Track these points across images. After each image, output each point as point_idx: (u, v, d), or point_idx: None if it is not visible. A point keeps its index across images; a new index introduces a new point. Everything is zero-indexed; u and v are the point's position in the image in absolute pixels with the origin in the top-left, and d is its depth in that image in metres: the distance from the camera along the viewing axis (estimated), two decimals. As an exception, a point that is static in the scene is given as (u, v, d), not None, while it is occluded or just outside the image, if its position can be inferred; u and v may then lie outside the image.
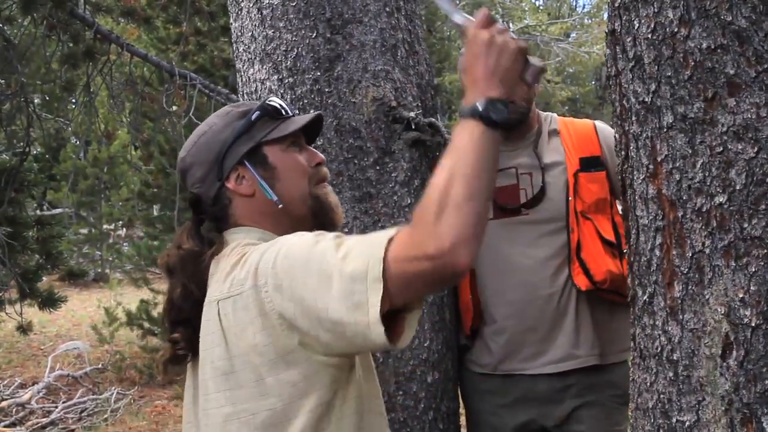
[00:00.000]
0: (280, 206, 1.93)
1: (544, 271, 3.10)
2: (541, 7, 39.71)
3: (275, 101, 2.01)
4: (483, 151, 1.64)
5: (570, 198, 3.12)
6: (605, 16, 1.90)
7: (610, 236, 3.09)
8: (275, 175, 1.95)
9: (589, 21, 36.21)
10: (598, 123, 3.30)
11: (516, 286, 3.11)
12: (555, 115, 3.37)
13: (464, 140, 1.65)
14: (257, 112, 1.97)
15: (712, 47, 1.59)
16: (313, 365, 1.73)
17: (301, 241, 1.75)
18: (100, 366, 10.28)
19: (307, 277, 1.66)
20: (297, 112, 2.11)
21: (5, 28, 7.62)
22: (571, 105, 41.79)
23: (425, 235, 1.57)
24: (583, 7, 39.09)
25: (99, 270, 18.01)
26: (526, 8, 38.19)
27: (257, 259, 1.77)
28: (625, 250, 2.98)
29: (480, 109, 1.66)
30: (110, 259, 17.25)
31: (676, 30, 1.63)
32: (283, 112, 2.01)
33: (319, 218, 1.98)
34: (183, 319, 1.95)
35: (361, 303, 1.60)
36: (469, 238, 1.57)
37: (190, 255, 1.94)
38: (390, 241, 1.62)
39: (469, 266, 1.60)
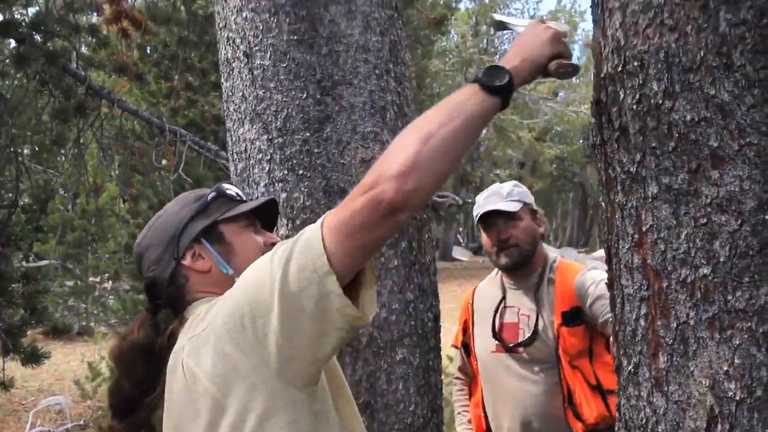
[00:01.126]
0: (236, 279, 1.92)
1: (537, 406, 3.42)
2: (530, 67, 40.07)
3: (231, 188, 2.04)
4: (468, 104, 1.67)
5: (559, 348, 3.37)
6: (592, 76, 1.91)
7: (593, 379, 3.32)
8: (231, 250, 1.96)
9: (577, 81, 36.57)
10: (579, 276, 3.40)
11: (513, 416, 3.49)
12: (558, 257, 3.64)
13: (445, 100, 1.69)
14: (213, 193, 2.00)
15: (696, 120, 1.60)
16: (274, 384, 1.68)
17: (246, 271, 1.74)
18: (81, 422, 10.15)
19: (257, 284, 1.65)
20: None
21: (-3, 81, 7.64)
22: (559, 163, 42.06)
23: (369, 173, 1.59)
24: (572, 67, 39.40)
25: (83, 323, 17.86)
26: (516, 67, 38.53)
27: (214, 302, 1.78)
28: (606, 390, 3.24)
29: (481, 72, 1.71)
30: (95, 312, 17.12)
31: (660, 102, 1.65)
32: (238, 198, 2.04)
33: None
34: (117, 410, 1.95)
35: (309, 266, 1.59)
36: (409, 175, 1.56)
37: (133, 347, 1.93)
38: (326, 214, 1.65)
39: (403, 203, 1.57)
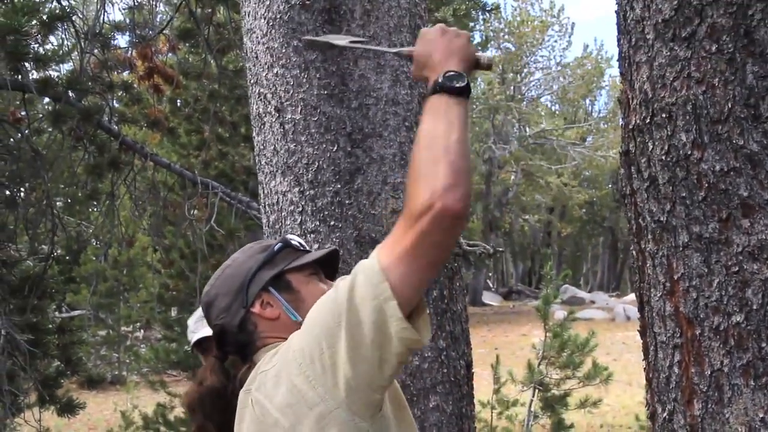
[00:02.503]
0: None
1: None
2: (557, 112, 40.17)
3: (295, 239, 2.08)
4: (452, 112, 1.73)
5: None
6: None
7: None
8: (299, 297, 1.98)
9: (605, 125, 36.58)
10: None
11: None
12: None
13: (429, 117, 1.74)
14: (279, 244, 2.03)
15: (726, 170, 1.62)
16: (341, 414, 1.70)
17: (314, 307, 1.79)
18: (116, 471, 10.15)
19: (325, 320, 1.70)
20: (314, 247, 2.16)
21: (33, 138, 7.75)
22: (588, 208, 41.95)
23: (414, 200, 1.62)
24: (599, 112, 39.52)
25: (116, 372, 17.92)
26: (543, 113, 38.62)
27: (287, 341, 1.82)
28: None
29: (439, 81, 1.76)
30: (127, 361, 17.18)
31: (689, 152, 1.67)
32: (302, 248, 2.07)
33: None
34: None
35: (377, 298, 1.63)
36: (455, 183, 1.61)
37: (211, 392, 1.97)
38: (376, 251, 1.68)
39: (464, 210, 1.63)
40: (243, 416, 1.85)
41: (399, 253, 1.64)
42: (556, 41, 36.72)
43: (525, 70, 37.14)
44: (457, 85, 1.76)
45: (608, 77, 38.21)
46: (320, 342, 1.69)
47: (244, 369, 1.96)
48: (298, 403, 1.71)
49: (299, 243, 2.07)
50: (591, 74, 37.94)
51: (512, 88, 36.17)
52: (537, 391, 8.68)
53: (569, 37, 39.60)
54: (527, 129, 37.59)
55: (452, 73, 1.78)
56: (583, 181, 38.23)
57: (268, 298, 1.98)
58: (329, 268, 2.13)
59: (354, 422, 1.70)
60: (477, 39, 25.07)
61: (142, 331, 19.31)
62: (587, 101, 40.95)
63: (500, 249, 3.32)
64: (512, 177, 37.10)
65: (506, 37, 35.82)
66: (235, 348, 2.02)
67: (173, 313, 13.83)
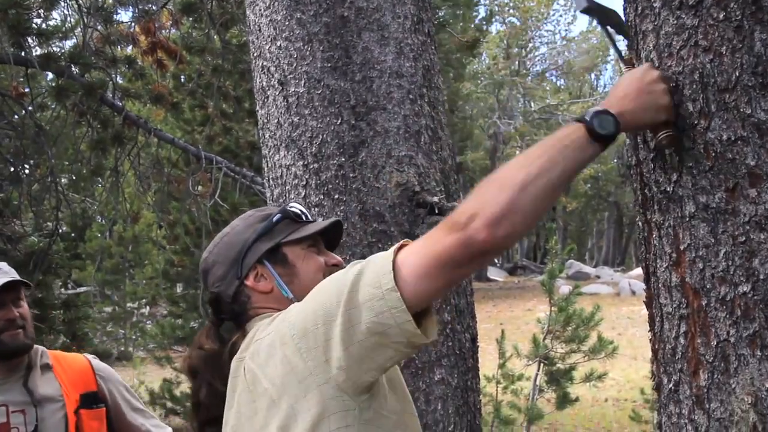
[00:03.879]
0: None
1: None
2: (562, 87, 40.07)
3: (296, 207, 2.05)
4: (569, 150, 1.63)
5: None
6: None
7: None
8: (294, 272, 1.97)
9: (610, 100, 36.39)
10: (92, 358, 3.19)
11: None
12: (44, 348, 3.14)
13: (551, 142, 1.66)
14: (278, 215, 2.01)
15: (733, 139, 1.61)
16: (328, 390, 1.70)
17: (319, 285, 1.77)
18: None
19: (324, 301, 1.69)
20: (317, 219, 2.13)
21: (37, 114, 7.74)
22: (593, 183, 41.89)
23: (462, 210, 1.59)
24: (604, 87, 39.45)
25: (122, 348, 17.99)
26: (548, 88, 38.53)
27: (285, 310, 1.80)
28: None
29: (589, 115, 1.65)
30: (133, 337, 17.24)
31: (696, 122, 1.65)
32: (303, 218, 2.04)
33: None
34: (213, 419, 1.94)
35: (376, 281, 1.62)
36: (502, 221, 1.56)
37: (213, 354, 1.96)
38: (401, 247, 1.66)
39: (495, 247, 1.58)
40: (236, 385, 1.84)
41: (423, 256, 1.61)
42: (561, 15, 36.77)
43: (530, 45, 37.10)
44: (601, 131, 1.64)
45: (613, 51, 38.06)
46: (317, 317, 1.68)
47: (236, 336, 1.96)
48: (287, 375, 1.71)
49: (300, 212, 2.05)
50: (596, 48, 37.86)
51: (517, 62, 36.09)
52: (542, 365, 8.69)
53: (575, 11, 39.37)
54: (532, 104, 37.55)
55: (611, 116, 1.65)
56: (588, 156, 38.11)
57: (262, 271, 1.97)
58: (332, 237, 2.11)
59: (341, 399, 1.69)
60: (482, 14, 24.97)
61: (147, 307, 19.36)
62: (593, 75, 40.89)
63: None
64: (517, 152, 37.05)
65: (511, 11, 35.71)
66: (230, 315, 2.02)
67: (178, 289, 13.88)
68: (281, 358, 1.72)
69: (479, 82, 32.68)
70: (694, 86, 1.66)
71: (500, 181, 1.61)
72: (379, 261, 1.65)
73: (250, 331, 1.91)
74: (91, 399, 3.04)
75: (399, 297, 1.60)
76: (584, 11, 1.90)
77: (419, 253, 1.62)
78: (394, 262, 1.62)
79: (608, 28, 1.92)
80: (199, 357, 1.98)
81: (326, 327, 1.66)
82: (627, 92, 1.70)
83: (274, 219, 2.00)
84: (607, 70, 39.89)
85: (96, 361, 3.15)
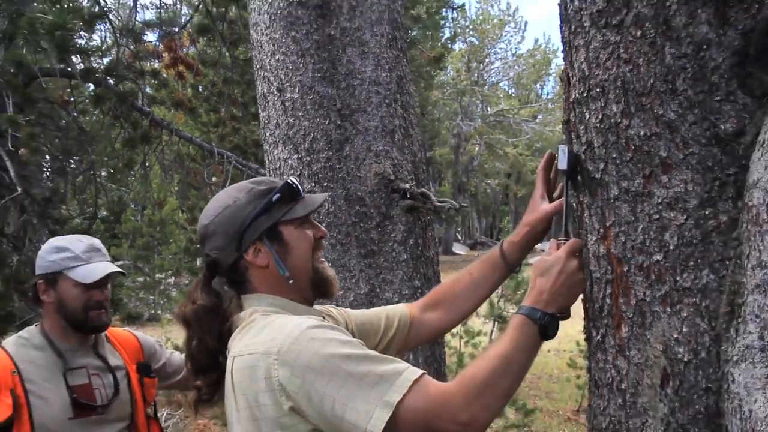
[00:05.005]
0: (291, 281, 1.85)
1: None
2: (513, 94, 40.10)
3: (293, 182, 1.91)
4: (531, 355, 1.70)
5: (137, 401, 2.83)
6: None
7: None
8: (288, 250, 1.86)
9: (552, 105, 36.49)
10: (136, 332, 3.06)
11: None
12: None
13: (521, 339, 1.68)
14: (277, 194, 1.87)
15: (648, 135, 1.60)
16: (284, 421, 1.61)
17: (323, 334, 1.64)
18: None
19: (323, 373, 1.57)
20: (307, 190, 2.04)
21: (79, 118, 7.71)
22: (538, 173, 41.85)
23: (463, 407, 1.54)
24: (547, 95, 39.48)
25: (152, 311, 17.90)
26: (501, 96, 38.55)
27: (276, 331, 1.67)
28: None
29: (542, 320, 1.72)
30: (161, 302, 17.16)
31: (619, 120, 1.65)
32: (297, 193, 1.91)
33: (319, 288, 1.91)
34: (203, 368, 1.85)
35: (369, 411, 1.53)
36: (493, 417, 1.58)
37: (205, 309, 1.85)
38: (415, 382, 1.56)
39: None
40: (226, 379, 1.75)
41: (419, 417, 1.54)
42: (512, 36, 36.79)
43: (487, 60, 37.02)
44: (549, 334, 1.72)
45: (554, 65, 38.13)
46: (304, 381, 1.57)
47: (234, 305, 1.89)
48: (265, 405, 1.62)
49: (296, 187, 1.90)
50: (540, 63, 37.90)
51: (476, 74, 36.03)
52: (496, 323, 8.73)
53: (523, 33, 39.77)
54: (489, 108, 37.50)
55: (554, 317, 1.74)
56: (534, 151, 38.16)
57: (260, 247, 1.84)
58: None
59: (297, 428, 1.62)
60: (447, 34, 24.91)
61: (173, 277, 19.25)
62: (538, 85, 40.87)
63: (465, 205, 3.29)
64: (476, 148, 37.05)
65: (471, 32, 35.67)
66: (226, 279, 1.92)
67: (198, 262, 13.82)
68: (263, 389, 1.62)
69: (445, 90, 32.62)
70: (617, 91, 1.65)
71: (502, 382, 1.60)
72: (380, 402, 1.53)
73: (242, 314, 1.83)
74: (147, 369, 2.92)
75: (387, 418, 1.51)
76: (563, 171, 1.84)
77: (415, 420, 1.54)
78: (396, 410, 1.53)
79: (569, 193, 1.89)
80: (192, 311, 1.85)
81: (309, 397, 1.57)
82: (559, 291, 1.78)
83: (274, 198, 1.86)
84: (549, 81, 39.91)
85: (140, 334, 3.04)
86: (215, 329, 1.82)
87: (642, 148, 1.61)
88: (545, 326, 1.71)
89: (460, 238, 43.53)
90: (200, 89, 9.74)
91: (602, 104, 1.68)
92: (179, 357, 3.07)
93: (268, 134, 3.29)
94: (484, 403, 1.56)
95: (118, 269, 2.79)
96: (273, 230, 1.86)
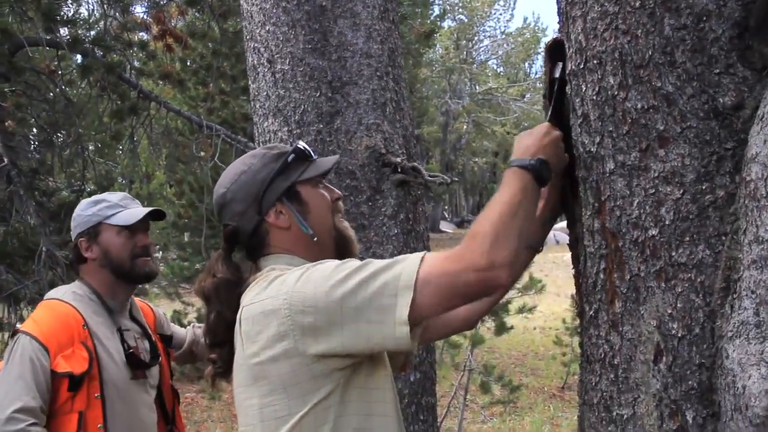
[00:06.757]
0: (315, 238, 1.84)
1: None
2: (501, 73, 40.01)
3: (303, 145, 1.91)
4: (532, 198, 1.66)
5: (165, 370, 2.82)
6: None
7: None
8: (308, 209, 1.85)
9: (540, 85, 36.44)
10: (149, 303, 2.98)
11: None
12: None
13: (517, 185, 1.65)
14: (293, 155, 1.87)
15: (646, 107, 1.58)
16: (314, 367, 1.63)
17: (327, 264, 1.67)
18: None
19: (333, 286, 1.59)
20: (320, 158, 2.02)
21: (66, 89, 7.63)
22: (526, 152, 41.90)
23: (478, 253, 1.54)
24: (536, 73, 39.39)
25: (140, 285, 17.82)
26: (490, 74, 38.47)
27: (283, 277, 1.69)
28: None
29: (533, 163, 1.67)
30: (148, 276, 17.12)
31: (616, 93, 1.63)
32: (309, 155, 1.92)
33: (341, 248, 1.90)
34: (219, 342, 1.83)
35: (390, 306, 1.55)
36: (513, 264, 1.56)
37: (224, 283, 1.83)
38: (422, 259, 1.59)
39: (508, 287, 1.63)
40: (235, 334, 1.76)
41: (441, 284, 1.56)
42: (501, 14, 36.60)
43: (476, 38, 36.91)
44: (544, 175, 1.67)
45: (543, 44, 38.03)
46: (318, 310, 1.59)
47: (252, 270, 1.87)
48: (277, 349, 1.63)
49: (307, 150, 1.91)
50: (529, 42, 37.79)
51: (465, 52, 35.91)
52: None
53: (512, 10, 39.31)
54: (477, 87, 37.44)
55: (545, 162, 1.68)
56: (522, 130, 38.24)
57: (281, 208, 1.84)
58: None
59: (328, 368, 1.64)
60: (436, 11, 24.79)
61: (161, 252, 19.21)
62: (526, 64, 40.81)
63: (456, 180, 3.26)
64: (465, 127, 37.01)
65: (460, 10, 35.50)
66: (245, 247, 1.90)
67: (186, 237, 13.76)
68: (274, 332, 1.63)
69: (434, 68, 32.50)
70: (615, 63, 1.62)
71: (512, 225, 1.58)
72: (400, 284, 1.57)
73: (258, 273, 1.82)
74: (169, 339, 2.90)
75: (407, 331, 1.55)
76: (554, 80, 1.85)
77: (438, 286, 1.56)
78: (415, 287, 1.55)
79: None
80: (212, 284, 1.84)
81: (327, 325, 1.59)
82: (544, 148, 1.72)
83: (289, 159, 1.86)
84: (537, 59, 39.82)
85: (150, 304, 2.98)
86: (234, 302, 1.80)
87: (639, 121, 1.59)
88: (538, 170, 1.67)
89: (447, 216, 43.60)
90: (189, 62, 9.65)
91: (599, 76, 1.66)
92: (181, 330, 3.04)
93: (258, 106, 3.25)
94: (500, 245, 1.55)
95: (159, 208, 2.78)
96: (291, 190, 1.86)
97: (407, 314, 1.54)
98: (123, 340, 2.62)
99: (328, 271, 1.64)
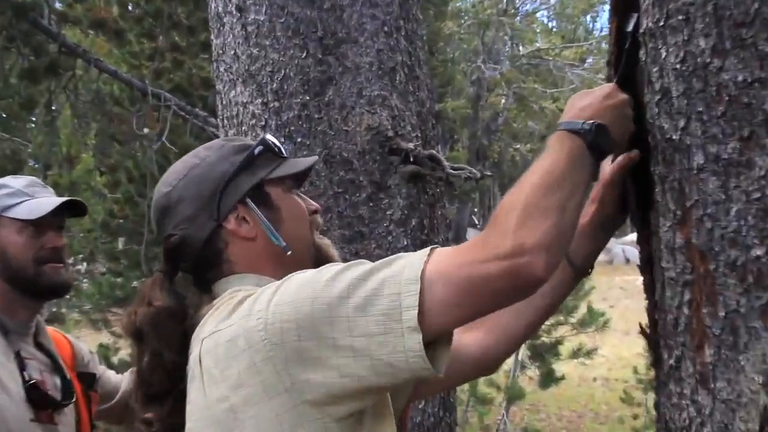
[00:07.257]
0: (289, 252, 1.83)
1: None
2: (554, 30, 40.09)
3: (272, 139, 1.92)
4: (580, 168, 1.67)
5: (83, 418, 2.78)
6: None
7: None
8: (279, 216, 1.85)
9: (606, 45, 36.51)
10: (66, 334, 2.99)
11: None
12: None
13: (562, 151, 1.67)
14: (260, 147, 1.87)
15: (749, 81, 1.58)
16: (303, 410, 1.61)
17: (309, 270, 1.67)
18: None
19: (320, 292, 1.58)
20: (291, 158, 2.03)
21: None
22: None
23: (502, 235, 1.54)
24: (600, 30, 39.42)
25: (54, 309, 17.87)
26: (538, 30, 38.53)
27: (254, 296, 1.67)
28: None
29: (587, 127, 1.68)
30: (68, 297, 17.17)
31: (708, 61, 1.62)
32: (280, 151, 1.92)
33: None
34: (156, 395, 1.80)
35: (392, 307, 1.54)
36: (552, 247, 1.54)
37: (165, 313, 1.80)
38: (431, 251, 1.59)
39: (547, 278, 1.55)
40: (193, 375, 1.73)
41: (449, 282, 1.54)
42: (556, -53, 36.52)
43: (520, -19, 37.02)
44: (600, 142, 1.69)
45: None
46: (300, 328, 1.57)
47: (206, 297, 1.85)
48: (255, 386, 1.61)
49: (276, 144, 1.92)
50: (594, -13, 37.89)
51: (504, 0, 36.01)
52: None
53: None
54: (520, 48, 37.50)
55: (605, 127, 1.70)
56: (581, 105, 38.32)
57: (244, 213, 1.83)
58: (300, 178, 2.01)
59: (323, 422, 1.61)
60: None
61: (84, 264, 19.26)
62: (588, 18, 40.89)
63: (488, 173, 3.27)
64: (503, 101, 37.04)
65: (501, -59, 35.63)
66: (194, 265, 1.88)
67: (120, 244, 13.80)
68: (247, 364, 1.61)
69: (462, 21, 32.58)
70: (707, 19, 1.62)
71: (546, 200, 1.58)
72: (402, 282, 1.56)
73: (216, 301, 1.80)
74: (92, 379, 2.87)
75: (419, 340, 1.52)
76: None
77: (450, 280, 1.54)
78: (421, 291, 1.54)
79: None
80: (147, 316, 1.79)
81: (316, 343, 1.57)
82: (604, 111, 1.74)
83: (256, 151, 1.87)
84: (604, 11, 39.90)
85: (68, 335, 2.98)
86: (176, 340, 1.79)
87: (740, 99, 1.59)
88: (594, 137, 1.68)
89: (477, 221, 43.64)
90: (130, 6, 9.71)
91: (685, 37, 1.66)
92: (115, 376, 3.04)
93: (222, 69, 3.27)
94: (532, 223, 1.54)
95: (77, 198, 2.77)
96: (258, 191, 1.86)
97: (416, 317, 1.52)
98: (22, 368, 2.59)
99: (313, 275, 1.64)
